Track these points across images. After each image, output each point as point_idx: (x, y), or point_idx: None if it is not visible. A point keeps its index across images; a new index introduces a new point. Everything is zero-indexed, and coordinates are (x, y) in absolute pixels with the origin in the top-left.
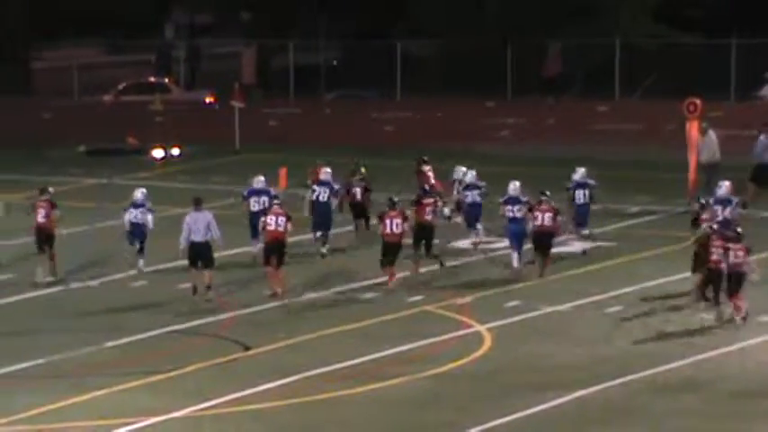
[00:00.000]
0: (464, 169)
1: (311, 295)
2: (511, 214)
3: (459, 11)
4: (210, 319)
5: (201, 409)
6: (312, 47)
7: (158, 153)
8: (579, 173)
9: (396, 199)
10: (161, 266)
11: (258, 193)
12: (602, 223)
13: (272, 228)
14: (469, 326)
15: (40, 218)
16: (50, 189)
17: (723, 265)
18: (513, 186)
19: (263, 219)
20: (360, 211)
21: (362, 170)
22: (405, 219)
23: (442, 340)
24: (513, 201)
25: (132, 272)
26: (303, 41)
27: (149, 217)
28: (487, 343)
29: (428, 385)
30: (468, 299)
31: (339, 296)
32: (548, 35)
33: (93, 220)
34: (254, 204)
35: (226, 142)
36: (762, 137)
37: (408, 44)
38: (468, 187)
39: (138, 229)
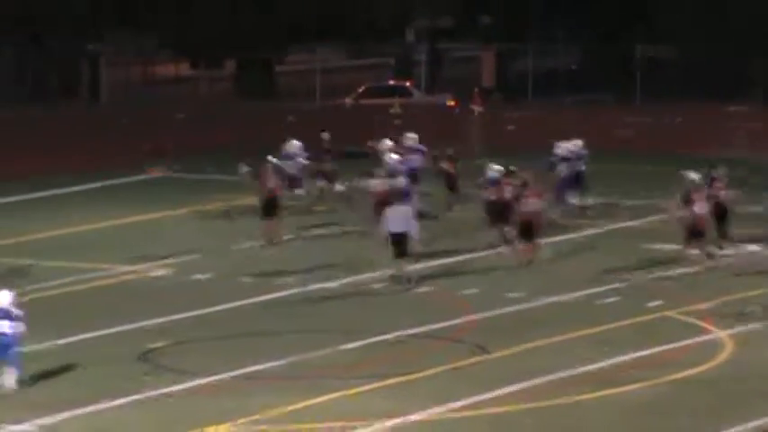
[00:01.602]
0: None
1: (548, 299)
2: None
3: (701, 17)
4: (449, 322)
5: (438, 413)
6: (551, 51)
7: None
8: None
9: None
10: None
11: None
12: None
13: (524, 210)
14: (710, 331)
15: (270, 184)
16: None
17: None
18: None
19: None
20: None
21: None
22: (539, 197)
23: (682, 346)
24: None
25: (372, 274)
26: (542, 45)
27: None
28: (728, 349)
29: (668, 391)
30: (708, 304)
31: (578, 300)
32: None
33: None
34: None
35: (465, 145)
36: None
37: (648, 48)
38: (565, 159)
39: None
